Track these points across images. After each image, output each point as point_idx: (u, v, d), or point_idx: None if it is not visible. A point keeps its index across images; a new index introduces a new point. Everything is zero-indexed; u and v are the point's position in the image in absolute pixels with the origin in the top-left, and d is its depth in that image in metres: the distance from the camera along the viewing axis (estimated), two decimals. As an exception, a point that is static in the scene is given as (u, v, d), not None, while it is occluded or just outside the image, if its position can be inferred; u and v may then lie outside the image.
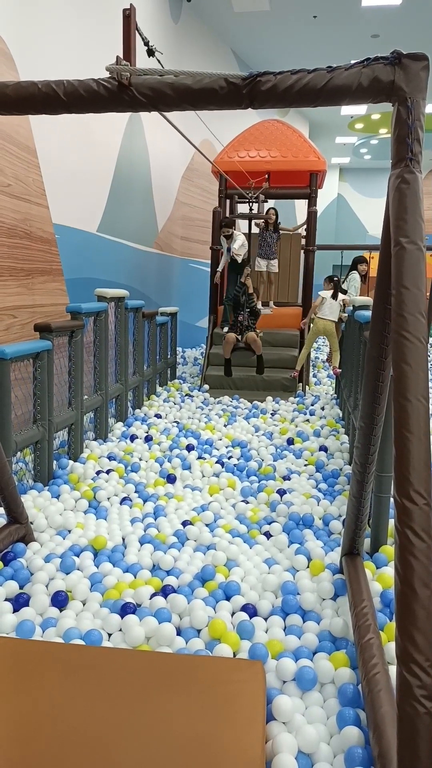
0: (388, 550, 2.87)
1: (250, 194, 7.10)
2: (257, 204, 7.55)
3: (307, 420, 5.75)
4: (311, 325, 7.03)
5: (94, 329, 4.72)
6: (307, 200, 7.87)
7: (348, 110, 13.22)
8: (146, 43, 2.04)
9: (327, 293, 6.93)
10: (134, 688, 1.86)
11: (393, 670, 1.87)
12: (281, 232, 8.05)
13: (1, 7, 4.19)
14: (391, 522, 2.92)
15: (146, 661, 2.02)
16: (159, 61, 2.18)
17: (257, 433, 5.28)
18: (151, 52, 2.07)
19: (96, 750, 1.61)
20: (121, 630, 2.34)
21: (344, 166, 19.28)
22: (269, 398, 6.61)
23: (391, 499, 2.79)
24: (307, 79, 1.70)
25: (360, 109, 13.08)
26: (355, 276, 8.18)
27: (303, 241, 8.31)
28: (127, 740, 1.64)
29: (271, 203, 8.74)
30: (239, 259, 7.61)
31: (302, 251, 8.24)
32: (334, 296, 6.84)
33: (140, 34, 1.94)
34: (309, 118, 15.08)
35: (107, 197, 6.53)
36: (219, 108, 1.84)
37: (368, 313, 3.33)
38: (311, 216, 7.83)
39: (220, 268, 7.65)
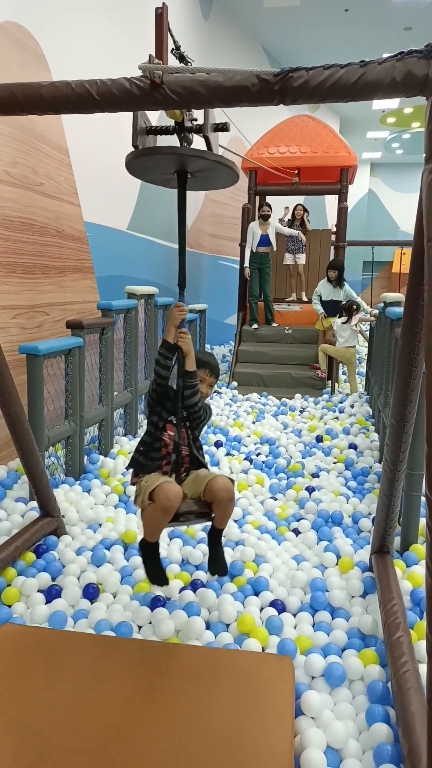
0: (419, 548, 2.84)
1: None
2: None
3: (336, 417, 5.71)
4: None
5: (125, 326, 4.77)
6: (337, 196, 7.81)
7: (379, 104, 13.04)
8: (177, 48, 2.05)
9: (339, 320, 7.02)
10: (164, 679, 1.88)
11: (423, 668, 1.86)
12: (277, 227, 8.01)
13: (33, 7, 4.26)
14: (422, 521, 2.89)
15: (176, 654, 2.04)
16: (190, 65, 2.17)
17: (286, 430, 5.27)
18: (182, 58, 2.08)
19: (126, 740, 1.64)
20: (151, 623, 2.37)
21: (375, 161, 19.04)
22: (298, 395, 6.59)
23: (422, 498, 2.78)
24: (339, 74, 1.69)
25: (392, 104, 12.89)
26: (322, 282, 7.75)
27: (333, 237, 8.27)
28: (156, 731, 1.67)
29: (301, 200, 8.71)
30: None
31: (332, 247, 8.20)
32: (347, 321, 6.90)
33: (172, 37, 1.95)
34: (339, 113, 14.94)
35: (137, 195, 6.57)
36: (251, 105, 1.85)
37: (400, 310, 3.30)
38: (342, 212, 7.77)
39: (246, 263, 7.64)
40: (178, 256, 2.35)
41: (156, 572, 2.32)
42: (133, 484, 2.39)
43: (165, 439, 2.36)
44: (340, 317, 7.00)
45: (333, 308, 7.15)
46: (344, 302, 7.04)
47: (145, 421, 3.09)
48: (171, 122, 2.24)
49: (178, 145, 2.18)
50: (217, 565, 2.42)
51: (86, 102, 1.94)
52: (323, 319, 7.21)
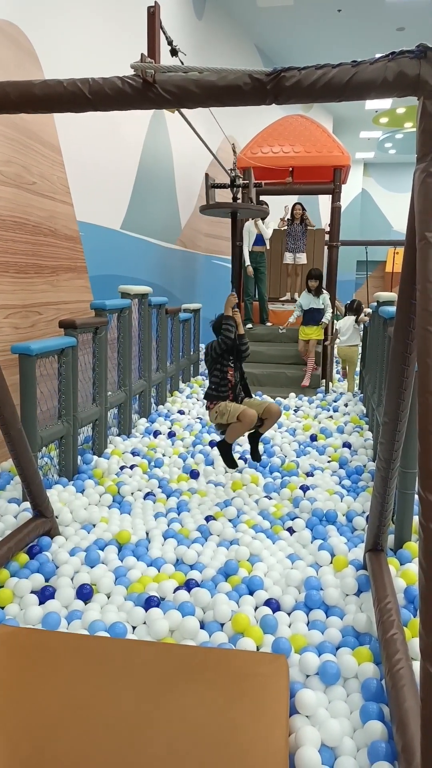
0: (412, 546, 2.85)
1: (233, 173, 4.14)
2: (245, 190, 4.62)
3: (331, 416, 5.73)
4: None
5: (118, 326, 4.76)
6: (331, 196, 7.83)
7: (372, 104, 13.08)
8: (170, 43, 2.05)
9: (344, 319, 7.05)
10: (159, 680, 1.88)
11: (417, 665, 1.87)
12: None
13: (27, 6, 4.24)
14: (416, 518, 2.90)
15: (170, 654, 2.04)
16: (182, 62, 2.20)
17: (280, 430, 5.27)
18: (174, 52, 2.08)
19: (121, 741, 1.64)
20: (145, 623, 2.37)
21: (369, 161, 19.09)
22: (292, 394, 6.60)
23: (416, 496, 2.79)
24: (331, 74, 1.69)
25: (385, 104, 12.92)
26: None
27: (327, 237, 8.29)
28: (151, 731, 1.67)
29: (295, 199, 8.73)
30: (268, 244, 7.67)
31: (326, 247, 8.22)
32: (356, 321, 6.96)
33: (164, 33, 1.95)
34: (333, 113, 14.97)
35: (131, 194, 6.57)
36: (244, 104, 1.85)
37: (393, 309, 3.31)
38: (335, 211, 7.78)
39: (248, 262, 7.66)
40: (231, 262, 3.91)
41: (231, 461, 3.86)
42: (208, 409, 3.87)
43: (229, 378, 3.81)
44: (343, 317, 7.06)
45: (312, 317, 6.96)
46: (350, 301, 7.09)
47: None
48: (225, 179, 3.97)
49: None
50: (256, 456, 4.02)
51: (79, 101, 1.94)
52: (298, 327, 7.05)
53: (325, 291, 7.06)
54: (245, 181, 4.03)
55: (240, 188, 3.76)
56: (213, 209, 3.44)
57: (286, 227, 8.24)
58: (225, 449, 3.82)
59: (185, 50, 2.33)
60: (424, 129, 1.62)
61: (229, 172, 3.84)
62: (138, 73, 1.85)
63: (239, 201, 3.93)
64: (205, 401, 3.92)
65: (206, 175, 4.19)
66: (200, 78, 1.81)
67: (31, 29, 4.29)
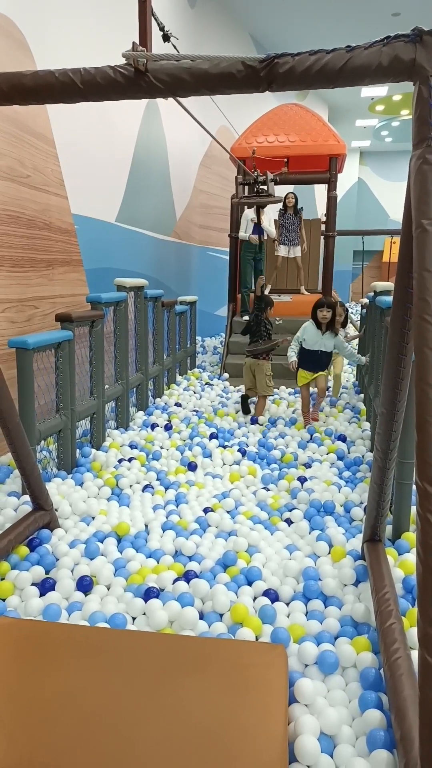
0: (410, 536, 2.86)
1: (255, 174, 5.26)
2: (265, 186, 5.51)
3: (327, 408, 5.71)
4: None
5: (114, 319, 4.75)
6: (327, 185, 7.79)
7: (368, 92, 12.99)
8: (161, 28, 2.03)
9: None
10: (158, 670, 1.89)
11: (415, 654, 1.87)
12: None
13: (18, -3, 4.20)
14: (413, 509, 2.91)
15: (170, 644, 2.04)
16: (175, 47, 2.17)
17: (278, 421, 5.27)
18: (166, 38, 2.06)
19: (119, 731, 1.64)
20: (144, 614, 2.38)
21: (365, 149, 18.99)
22: (290, 389, 6.57)
23: (413, 486, 2.79)
24: (325, 59, 1.67)
25: (380, 91, 12.84)
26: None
27: (323, 227, 8.25)
28: (150, 721, 1.67)
29: (290, 189, 8.68)
30: (273, 236, 7.60)
31: (322, 237, 8.18)
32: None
33: (156, 19, 1.93)
34: (328, 101, 14.87)
35: (125, 186, 6.53)
36: (237, 92, 1.82)
37: (389, 299, 3.30)
38: (331, 201, 7.75)
39: (242, 236, 7.58)
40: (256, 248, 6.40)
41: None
42: (263, 359, 5.29)
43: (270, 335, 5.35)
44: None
45: (316, 359, 5.17)
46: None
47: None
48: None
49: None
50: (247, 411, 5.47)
51: (70, 91, 1.91)
52: (296, 371, 5.29)
53: (344, 331, 5.55)
54: (263, 177, 5.27)
55: (260, 184, 5.09)
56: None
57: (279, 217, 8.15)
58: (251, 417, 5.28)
59: (177, 39, 2.30)
60: (420, 115, 1.61)
61: (252, 172, 5.17)
62: (130, 62, 1.83)
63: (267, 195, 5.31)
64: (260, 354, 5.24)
65: (236, 177, 6.43)
66: (192, 66, 1.79)
67: (23, 20, 4.24)
